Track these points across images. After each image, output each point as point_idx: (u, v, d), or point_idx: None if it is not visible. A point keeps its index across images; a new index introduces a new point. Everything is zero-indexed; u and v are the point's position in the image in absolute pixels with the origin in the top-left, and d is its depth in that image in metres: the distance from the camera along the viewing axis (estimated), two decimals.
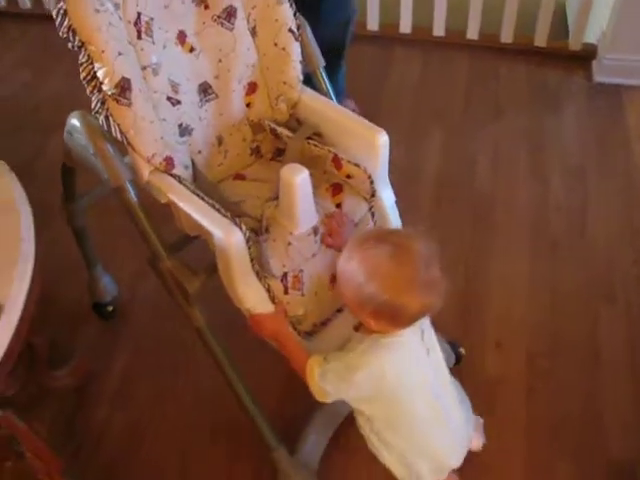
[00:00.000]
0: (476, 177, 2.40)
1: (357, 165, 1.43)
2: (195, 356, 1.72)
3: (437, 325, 1.65)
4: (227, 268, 1.31)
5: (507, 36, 2.95)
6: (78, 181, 1.66)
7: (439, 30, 2.99)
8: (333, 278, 1.42)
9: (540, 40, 2.92)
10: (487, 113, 2.67)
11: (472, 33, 2.96)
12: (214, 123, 1.52)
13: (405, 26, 3.01)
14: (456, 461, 1.43)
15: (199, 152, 1.50)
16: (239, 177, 1.58)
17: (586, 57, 2.85)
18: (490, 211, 2.27)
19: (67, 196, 1.67)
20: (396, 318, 1.20)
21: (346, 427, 1.59)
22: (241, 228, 1.27)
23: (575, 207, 2.29)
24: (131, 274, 2.06)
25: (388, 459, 1.40)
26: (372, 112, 2.51)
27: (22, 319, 1.19)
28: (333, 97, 1.59)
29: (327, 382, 1.27)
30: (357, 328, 1.33)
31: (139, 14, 1.33)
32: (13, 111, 2.71)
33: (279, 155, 1.58)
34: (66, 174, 1.61)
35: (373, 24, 3.03)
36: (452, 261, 2.09)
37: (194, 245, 1.48)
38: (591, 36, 2.85)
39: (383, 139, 1.43)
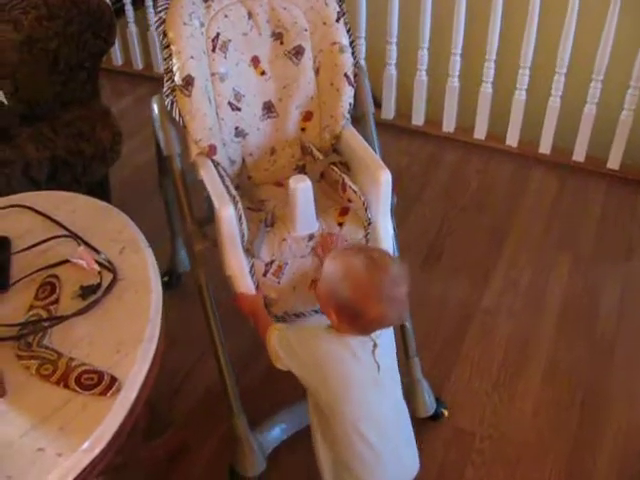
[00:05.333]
0: (599, 317, 2.38)
1: (355, 192, 1.75)
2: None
3: (542, 451, 1.94)
4: (219, 235, 1.65)
5: None
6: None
7: (579, 155, 3.08)
8: (313, 283, 1.74)
9: None
10: (619, 250, 2.67)
11: (613, 162, 3.03)
12: (270, 136, 1.92)
13: (545, 147, 3.13)
14: None
15: (250, 154, 1.91)
16: (278, 184, 1.93)
17: None
18: (611, 354, 2.25)
19: (160, 168, 2.06)
20: (355, 320, 1.38)
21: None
22: (236, 205, 1.61)
23: None
24: None
25: (321, 459, 1.53)
26: (504, 228, 2.77)
27: (138, 398, 1.24)
28: (375, 141, 1.91)
29: (281, 347, 1.49)
30: None
31: (218, 34, 1.79)
32: None
33: (320, 177, 1.91)
34: (159, 146, 1.87)
35: (512, 140, 3.19)
36: (568, 399, 2.11)
37: None
38: None
39: (385, 176, 1.71)
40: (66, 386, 1.20)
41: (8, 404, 1.18)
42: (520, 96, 3.04)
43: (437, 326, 2.31)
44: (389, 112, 3.34)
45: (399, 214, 2.66)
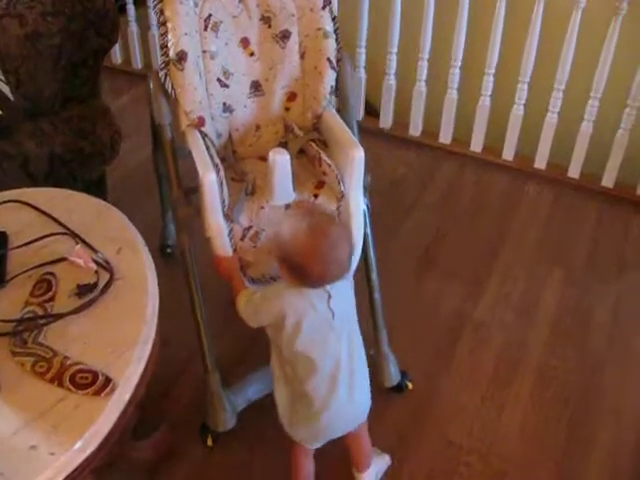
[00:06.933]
0: (590, 332, 2.43)
1: (330, 165, 1.90)
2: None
3: (529, 466, 1.94)
4: (202, 200, 1.79)
5: None
6: None
7: (574, 172, 3.14)
8: None
9: None
10: (611, 267, 2.72)
11: (608, 181, 3.08)
12: (256, 113, 2.08)
13: (540, 162, 3.18)
14: (320, 439, 1.72)
15: (236, 129, 2.07)
16: (262, 159, 2.05)
17: None
18: (601, 369, 2.28)
19: (155, 144, 2.20)
20: (300, 276, 1.53)
21: None
22: (218, 172, 1.76)
23: None
24: None
25: (279, 395, 1.70)
26: (498, 241, 2.81)
27: (131, 399, 1.27)
28: (354, 123, 2.02)
29: (247, 307, 1.66)
30: None
31: (210, 15, 1.96)
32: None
33: (300, 153, 2.06)
34: (153, 119, 2.01)
35: (508, 154, 3.25)
36: (556, 414, 2.12)
37: None
38: None
39: (358, 154, 1.84)
40: (60, 384, 1.23)
41: (1, 400, 1.21)
42: (518, 111, 3.11)
43: (429, 335, 2.38)
44: (387, 121, 3.42)
45: (394, 222, 2.76)
